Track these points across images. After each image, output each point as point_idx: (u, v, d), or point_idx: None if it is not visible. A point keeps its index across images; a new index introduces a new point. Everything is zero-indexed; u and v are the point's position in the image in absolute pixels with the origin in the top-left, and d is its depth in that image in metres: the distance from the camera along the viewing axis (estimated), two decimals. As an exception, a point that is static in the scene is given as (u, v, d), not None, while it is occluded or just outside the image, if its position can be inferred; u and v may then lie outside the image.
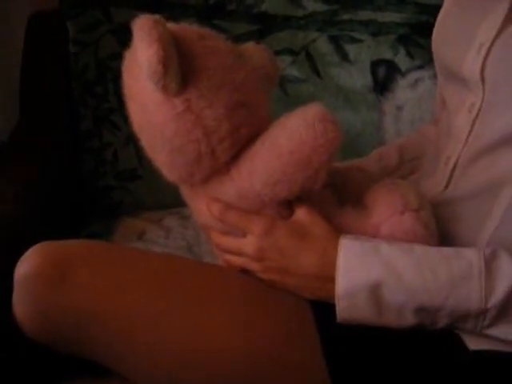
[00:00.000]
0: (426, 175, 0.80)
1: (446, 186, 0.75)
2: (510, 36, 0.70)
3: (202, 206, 0.75)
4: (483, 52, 0.71)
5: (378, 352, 0.67)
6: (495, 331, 0.65)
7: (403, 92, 1.45)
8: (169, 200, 1.32)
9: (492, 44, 0.71)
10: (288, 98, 1.42)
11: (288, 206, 0.72)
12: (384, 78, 1.45)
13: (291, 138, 0.69)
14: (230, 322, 0.67)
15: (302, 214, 0.70)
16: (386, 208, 0.71)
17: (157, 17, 0.68)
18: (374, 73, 1.46)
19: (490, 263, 0.65)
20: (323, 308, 0.68)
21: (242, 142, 0.71)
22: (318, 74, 1.42)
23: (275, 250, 0.69)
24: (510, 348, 0.66)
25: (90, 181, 1.34)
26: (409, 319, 0.66)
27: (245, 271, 0.73)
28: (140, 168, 1.36)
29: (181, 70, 0.68)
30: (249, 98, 0.72)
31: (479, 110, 0.72)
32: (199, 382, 0.67)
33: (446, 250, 0.67)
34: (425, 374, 0.66)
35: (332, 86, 1.44)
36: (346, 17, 1.42)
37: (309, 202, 0.72)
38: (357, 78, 1.44)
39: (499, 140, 0.70)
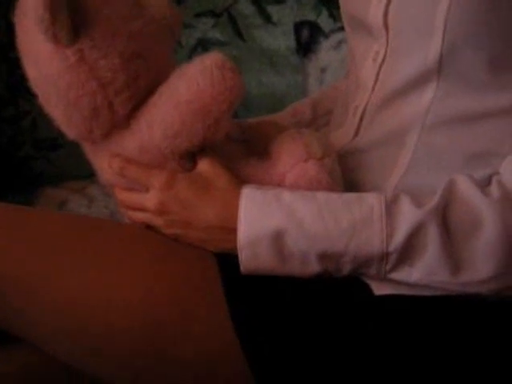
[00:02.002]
0: (336, 126, 0.80)
1: (355, 136, 0.75)
2: None
3: (104, 163, 0.73)
4: (385, -1, 0.71)
5: (283, 304, 0.66)
6: (398, 275, 0.65)
7: (327, 53, 1.44)
8: (92, 169, 1.29)
9: None
10: (211, 62, 1.40)
11: (191, 158, 0.70)
12: (307, 40, 1.44)
13: (189, 86, 0.67)
14: (131, 277, 0.65)
15: (204, 166, 0.69)
16: (290, 157, 0.70)
17: None
18: (297, 35, 1.45)
19: (391, 207, 0.64)
20: (229, 262, 0.67)
21: (141, 94, 0.69)
22: (240, 36, 1.41)
23: (176, 203, 0.67)
24: (415, 291, 0.66)
25: (8, 151, 1.30)
26: (313, 266, 0.65)
27: (149, 227, 0.72)
28: (61, 137, 1.31)
29: (72, 18, 0.65)
30: (146, 48, 0.69)
31: (384, 57, 0.72)
32: (100, 339, 0.65)
33: (347, 195, 0.66)
34: (330, 321, 0.66)
35: (255, 49, 1.43)
36: (268, -23, 1.41)
37: (213, 154, 0.71)
38: (280, 39, 1.43)
39: (404, 86, 0.70)
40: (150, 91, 0.69)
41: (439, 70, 0.67)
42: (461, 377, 0.66)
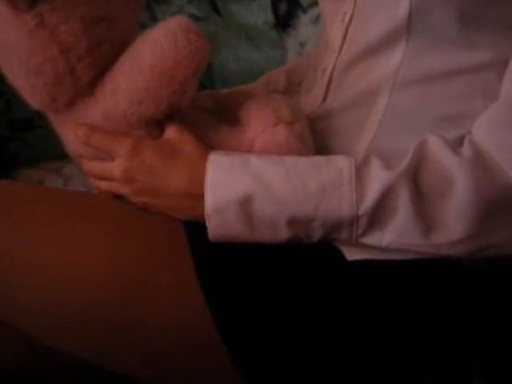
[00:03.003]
0: (306, 91, 0.78)
1: (324, 99, 0.73)
2: None
3: (70, 133, 0.71)
4: (352, -42, 0.69)
5: (252, 271, 0.65)
6: (370, 239, 0.63)
7: (305, 28, 1.42)
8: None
9: None
10: (188, 38, 1.38)
11: (158, 125, 0.69)
12: (285, 15, 1.42)
13: (152, 51, 0.65)
14: (95, 248, 0.63)
15: (171, 132, 0.67)
16: (259, 122, 0.68)
17: None
18: (275, 9, 1.43)
19: (361, 169, 0.63)
20: (198, 230, 0.66)
21: (105, 60, 0.67)
22: (217, 11, 1.39)
23: (143, 170, 0.65)
24: (387, 256, 0.65)
25: (-18, 133, 1.28)
26: (283, 232, 0.64)
27: (118, 196, 0.70)
28: (36, 117, 1.30)
29: (30, -18, 0.64)
30: (109, 12, 0.67)
31: (351, 17, 0.71)
32: (72, 314, 0.64)
33: (317, 158, 0.65)
34: (301, 287, 0.64)
35: (233, 24, 1.41)
36: (243, -49, 1.39)
37: (181, 121, 0.69)
38: (258, 15, 1.41)
39: (371, 46, 0.69)
40: (114, 57, 0.68)
41: (408, 28, 0.65)
42: (433, 340, 0.65)
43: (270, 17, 1.41)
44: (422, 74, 0.67)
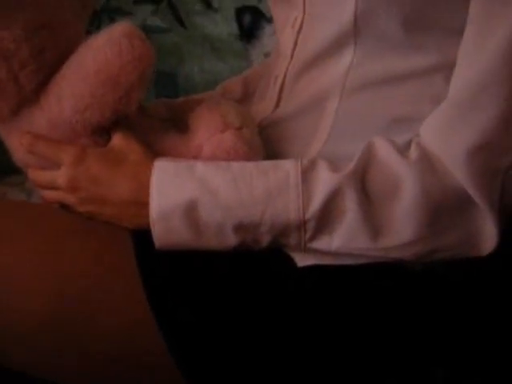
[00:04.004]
0: (259, 98, 0.78)
1: (276, 106, 0.73)
2: None
3: (15, 142, 0.70)
4: (300, -37, 0.69)
5: (200, 278, 0.64)
6: (319, 244, 0.63)
7: (270, 38, 1.42)
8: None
9: None
10: (152, 50, 1.37)
11: (105, 133, 0.68)
12: (250, 25, 1.42)
13: (96, 57, 0.64)
14: (38, 256, 0.62)
15: (117, 140, 0.66)
16: (206, 128, 0.68)
17: None
18: (239, 20, 1.43)
19: (307, 173, 0.62)
20: (145, 238, 0.65)
21: (49, 66, 0.66)
22: (181, 23, 1.38)
23: (87, 178, 0.64)
24: (338, 261, 0.64)
25: None
26: (230, 238, 0.63)
27: (64, 206, 0.69)
28: None
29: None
30: (52, 19, 0.66)
31: (301, 23, 0.70)
32: (4, 320, 0.62)
33: (263, 163, 0.64)
34: (250, 294, 0.63)
35: (197, 36, 1.41)
36: (207, -37, 1.39)
37: (128, 128, 0.68)
38: (222, 26, 1.41)
39: (321, 52, 0.68)
40: (58, 64, 0.67)
41: (355, 32, 0.65)
42: (389, 344, 0.64)
43: (235, 28, 1.41)
44: (371, 78, 0.67)
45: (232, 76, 1.40)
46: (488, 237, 0.62)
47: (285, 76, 0.72)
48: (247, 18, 1.40)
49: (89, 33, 0.69)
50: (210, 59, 1.39)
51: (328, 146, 0.68)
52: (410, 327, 0.65)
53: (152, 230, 0.63)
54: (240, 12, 1.40)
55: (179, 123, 0.75)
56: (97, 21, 1.38)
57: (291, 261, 0.65)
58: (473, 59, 0.62)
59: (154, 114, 0.78)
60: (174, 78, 1.38)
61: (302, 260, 0.65)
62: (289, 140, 0.70)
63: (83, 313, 0.62)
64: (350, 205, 0.61)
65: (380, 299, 0.64)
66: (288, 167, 0.62)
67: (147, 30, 1.39)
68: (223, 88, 0.90)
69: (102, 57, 0.64)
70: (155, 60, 0.66)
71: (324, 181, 0.61)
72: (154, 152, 0.67)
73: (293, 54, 0.71)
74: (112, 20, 1.36)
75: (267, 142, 0.71)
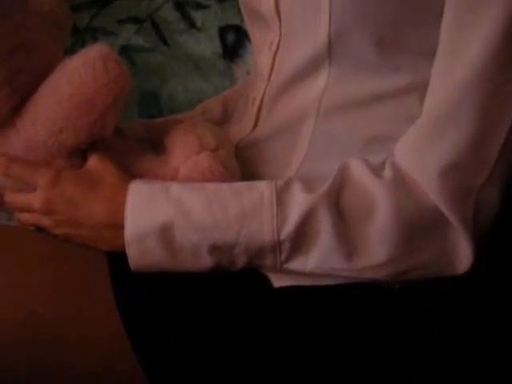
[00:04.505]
0: (238, 119, 0.78)
1: (254, 127, 0.73)
2: None
3: (-9, 165, 0.70)
4: (275, -15, 0.70)
5: (177, 303, 0.63)
6: (294, 264, 0.63)
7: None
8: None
9: None
10: (135, 68, 1.38)
11: (81, 155, 0.68)
12: (233, 44, 1.43)
13: (71, 80, 0.64)
14: (13, 279, 0.62)
15: (93, 162, 0.66)
16: (182, 150, 0.68)
17: None
18: (222, 39, 1.44)
19: (282, 194, 0.62)
20: (121, 260, 0.65)
21: (24, 89, 0.66)
22: (165, 42, 1.39)
23: (63, 201, 0.64)
24: (315, 281, 0.64)
25: None
26: (205, 260, 0.62)
27: (41, 229, 0.69)
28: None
29: None
30: (29, 42, 0.66)
31: (278, 45, 0.71)
32: None
33: (238, 184, 0.64)
34: (226, 316, 0.63)
35: (181, 55, 1.41)
36: (190, -17, 1.40)
37: (105, 150, 0.69)
38: (205, 45, 1.41)
39: (297, 73, 0.69)
40: (34, 86, 0.67)
41: (330, 53, 0.66)
42: (363, 365, 0.64)
43: (218, 47, 1.41)
44: (346, 98, 0.67)
45: (215, 94, 1.41)
46: (463, 256, 0.62)
47: (262, 97, 0.73)
48: (230, 37, 1.41)
49: (72, 52, 0.70)
50: (194, 78, 1.40)
51: (305, 167, 0.68)
52: (387, 346, 0.65)
53: (127, 252, 0.63)
54: (223, 31, 1.41)
55: (158, 144, 0.75)
56: (80, 40, 1.38)
57: (267, 281, 0.65)
58: (445, 79, 0.62)
59: (132, 134, 0.78)
60: (157, 97, 1.38)
61: (279, 281, 0.65)
62: (266, 161, 0.71)
63: (57, 336, 0.61)
64: (325, 226, 0.61)
65: (357, 319, 0.64)
66: (262, 188, 0.62)
67: (131, 50, 1.39)
68: (203, 107, 0.90)
69: (76, 79, 0.64)
70: (130, 82, 0.66)
71: (298, 202, 0.61)
72: (131, 174, 0.67)
73: (270, 75, 0.72)
74: (95, 39, 1.37)
75: (245, 163, 0.71)
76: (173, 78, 1.38)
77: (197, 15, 1.40)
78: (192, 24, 1.40)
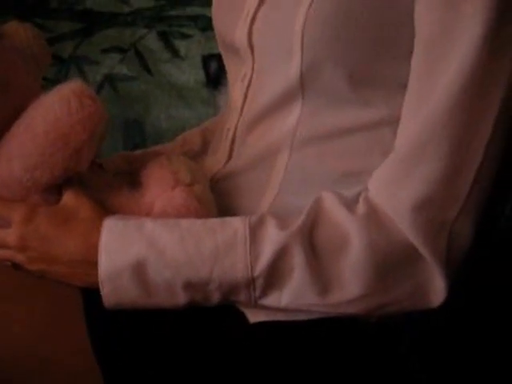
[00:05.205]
0: (213, 151, 0.78)
1: (228, 159, 0.73)
2: (271, 2, 0.69)
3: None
4: (249, 19, 0.70)
5: (152, 339, 0.63)
6: (268, 300, 0.62)
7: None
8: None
9: (256, 11, 0.70)
10: (119, 97, 1.38)
11: (56, 191, 0.68)
12: (216, 72, 1.44)
13: (46, 116, 0.64)
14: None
15: (68, 197, 0.66)
16: (157, 185, 0.68)
17: None
18: (205, 68, 1.45)
19: (255, 230, 0.62)
20: (95, 296, 0.64)
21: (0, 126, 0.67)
22: (148, 71, 1.40)
23: (37, 237, 0.64)
24: (290, 316, 0.64)
25: None
26: (180, 296, 0.62)
27: (16, 265, 0.68)
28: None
29: None
30: (5, 78, 0.67)
31: (250, 78, 0.71)
32: None
33: (212, 220, 0.64)
34: (201, 352, 0.63)
35: (164, 83, 1.42)
36: (173, 12, 1.41)
37: (80, 185, 0.69)
38: (189, 73, 1.43)
39: (269, 106, 0.69)
40: (10, 122, 0.67)
41: (302, 87, 0.66)
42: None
43: (201, 75, 1.42)
44: (320, 132, 0.67)
45: (199, 122, 1.42)
46: (437, 290, 0.63)
47: (235, 129, 0.73)
48: (214, 65, 1.42)
49: (56, 81, 0.70)
50: (177, 106, 1.41)
51: (279, 200, 0.69)
52: (364, 380, 0.65)
53: (101, 289, 0.62)
54: (206, 59, 1.42)
55: (137, 177, 0.75)
56: (64, 69, 1.39)
57: (243, 316, 0.65)
58: (415, 114, 0.63)
59: (113, 168, 0.78)
60: (141, 125, 1.39)
61: (254, 316, 0.64)
62: (241, 194, 0.71)
63: (30, 371, 0.61)
64: (298, 262, 0.61)
65: (333, 354, 0.64)
66: (236, 225, 0.62)
67: (114, 79, 1.40)
68: (183, 139, 0.91)
69: (51, 116, 0.64)
70: (106, 118, 0.67)
71: (272, 238, 0.61)
72: (107, 209, 0.67)
73: (243, 107, 0.72)
74: (79, 69, 1.38)
75: (220, 196, 0.71)
76: (156, 106, 1.39)
77: (180, 44, 1.41)
78: (175, 53, 1.41)
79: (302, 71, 0.65)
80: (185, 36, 1.42)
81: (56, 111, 0.64)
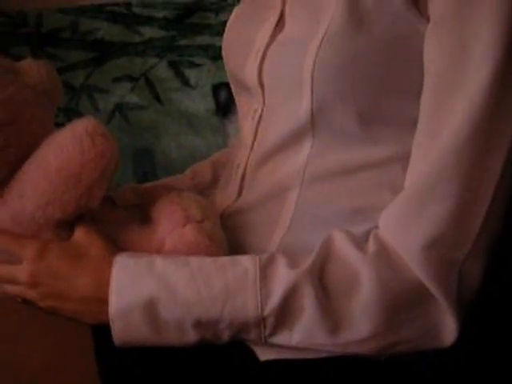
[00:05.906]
0: (223, 187, 0.79)
1: (238, 195, 0.74)
2: (281, 41, 0.70)
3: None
4: (259, 57, 0.71)
5: (162, 376, 0.63)
6: (278, 339, 0.62)
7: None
8: None
9: (266, 49, 0.71)
10: (129, 126, 1.39)
11: (68, 227, 0.68)
12: (226, 101, 1.45)
13: (58, 154, 0.65)
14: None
15: (79, 234, 0.66)
16: (168, 222, 0.68)
17: None
18: (215, 96, 1.46)
19: (265, 269, 0.62)
20: (106, 334, 0.64)
21: (13, 161, 0.67)
22: (158, 99, 1.41)
23: (48, 274, 0.64)
24: (300, 355, 0.64)
25: None
26: (190, 335, 0.62)
27: (26, 301, 0.69)
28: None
29: None
30: (18, 115, 0.67)
31: (261, 115, 0.72)
32: None
33: (222, 259, 0.64)
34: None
35: (174, 112, 1.43)
36: (183, 42, 1.42)
37: (91, 222, 0.69)
38: (199, 102, 1.44)
39: (280, 144, 0.70)
40: (22, 159, 0.67)
41: (312, 125, 0.67)
42: None
43: (211, 104, 1.43)
44: (330, 169, 0.68)
45: (209, 151, 1.42)
46: (448, 329, 0.62)
47: (246, 165, 0.74)
48: (223, 94, 1.43)
49: (68, 110, 0.70)
50: (187, 135, 1.41)
51: (289, 236, 0.69)
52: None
53: (111, 327, 0.62)
54: (216, 88, 1.43)
55: (147, 211, 0.76)
56: (76, 98, 1.40)
57: (253, 354, 0.65)
58: (426, 152, 0.63)
59: (123, 201, 0.79)
60: (151, 153, 1.40)
61: (264, 354, 0.65)
62: (251, 230, 0.71)
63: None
64: (308, 301, 0.61)
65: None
66: (246, 264, 0.62)
67: (125, 107, 1.41)
68: (193, 172, 0.91)
69: (63, 154, 0.65)
70: (117, 155, 0.67)
71: (282, 277, 0.61)
72: (118, 245, 0.68)
73: (253, 144, 0.73)
74: (90, 97, 1.39)
75: (230, 232, 0.72)
76: (166, 135, 1.40)
77: (190, 73, 1.42)
78: (186, 82, 1.42)
79: (312, 110, 0.65)
80: (195, 65, 1.43)
81: (68, 149, 0.65)
